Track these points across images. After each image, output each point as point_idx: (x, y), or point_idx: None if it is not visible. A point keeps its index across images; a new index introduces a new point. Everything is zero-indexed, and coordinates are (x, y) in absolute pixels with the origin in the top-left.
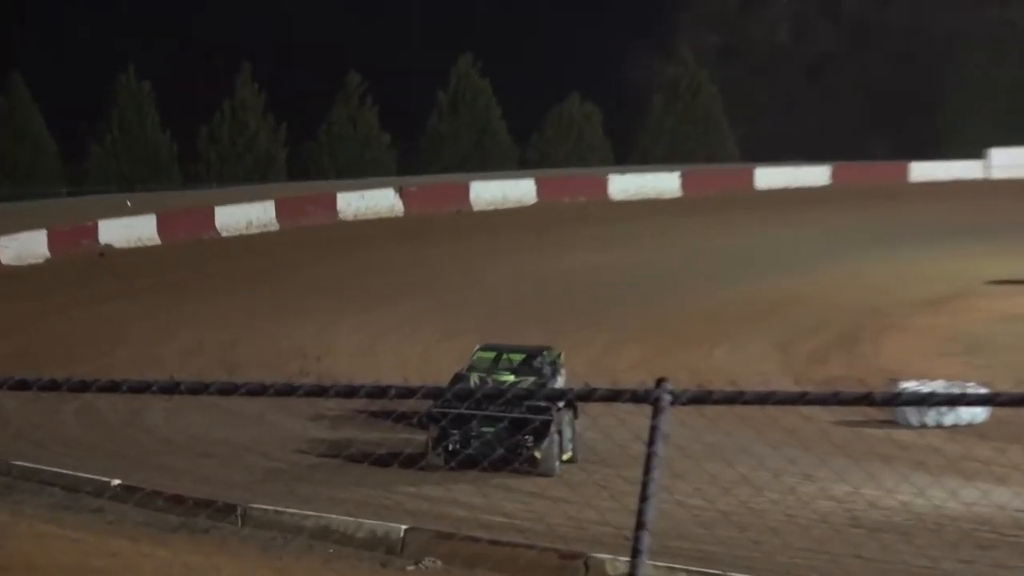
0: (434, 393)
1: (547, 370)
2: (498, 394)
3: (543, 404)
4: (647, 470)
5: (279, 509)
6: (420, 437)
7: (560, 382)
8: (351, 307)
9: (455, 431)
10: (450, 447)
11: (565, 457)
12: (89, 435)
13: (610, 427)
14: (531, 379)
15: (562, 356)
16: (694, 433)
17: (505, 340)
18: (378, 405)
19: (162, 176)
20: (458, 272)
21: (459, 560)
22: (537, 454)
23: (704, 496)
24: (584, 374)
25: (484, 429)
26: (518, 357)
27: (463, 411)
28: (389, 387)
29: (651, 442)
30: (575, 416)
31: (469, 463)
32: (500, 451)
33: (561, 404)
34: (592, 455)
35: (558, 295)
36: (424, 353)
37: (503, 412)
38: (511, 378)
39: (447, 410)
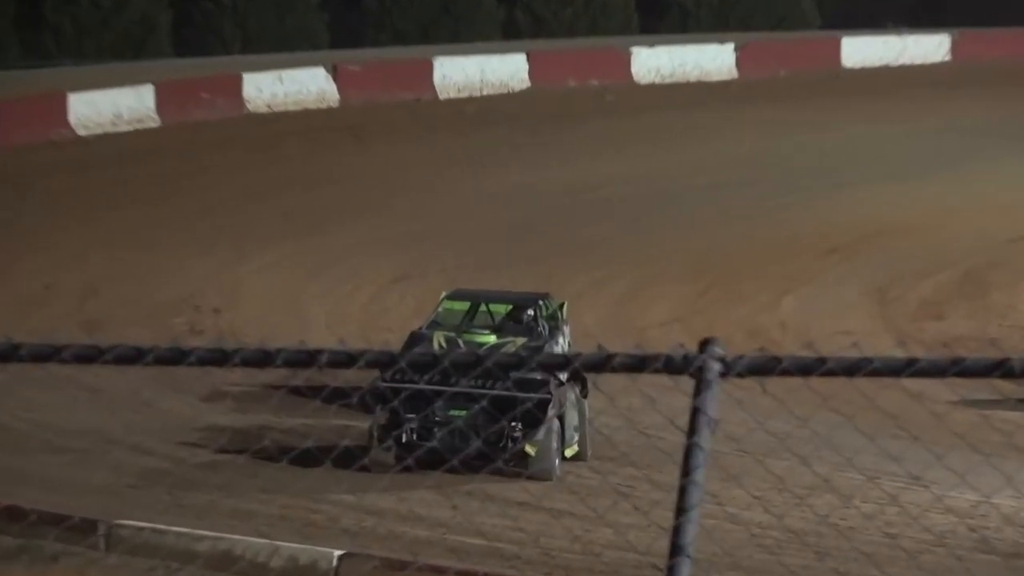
0: (382, 361)
1: (543, 327)
2: (474, 362)
3: (538, 377)
4: (687, 470)
5: (160, 527)
6: (362, 424)
7: (562, 344)
8: (263, 237)
9: (412, 415)
10: (404, 438)
11: (569, 452)
12: None
13: (634, 409)
14: (520, 340)
15: (565, 307)
16: (753, 418)
17: (484, 285)
18: (302, 378)
19: None
20: (417, 188)
21: None
22: (529, 448)
23: (768, 507)
24: (597, 333)
25: (453, 412)
26: (502, 309)
27: (423, 387)
28: (318, 352)
29: (692, 430)
30: (583, 394)
31: (432, 461)
32: (476, 444)
33: (564, 376)
34: (608, 449)
35: (559, 220)
36: (368, 303)
37: (480, 388)
38: (492, 339)
39: (400, 385)
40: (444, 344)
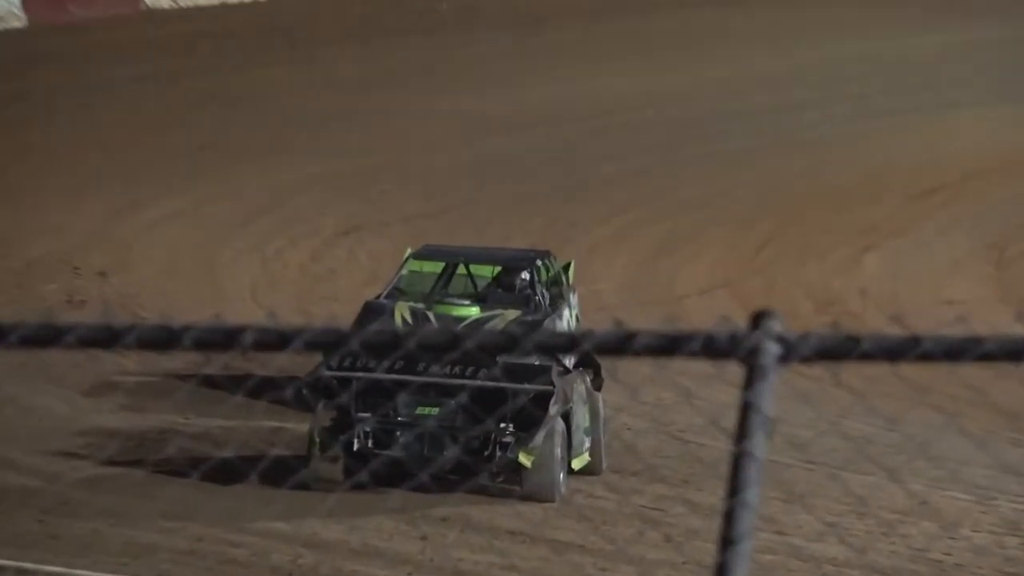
0: (326, 341)
1: (542, 296)
2: (449, 342)
3: (535, 362)
4: (735, 488)
5: (27, 568)
6: (300, 426)
7: (568, 319)
8: (166, 177)
9: (366, 414)
10: (357, 445)
11: (577, 464)
12: None
13: (664, 406)
14: (512, 313)
15: (572, 269)
16: (824, 417)
17: (462, 240)
18: (219, 365)
19: None
20: (371, 110)
21: None
22: (524, 458)
23: (845, 538)
24: (615, 304)
25: (422, 410)
26: (487, 271)
27: (382, 376)
28: (240, 330)
29: (742, 434)
30: (596, 385)
31: (393, 476)
32: (453, 452)
33: (570, 362)
34: (630, 459)
35: (563, 153)
36: (308, 264)
37: (459, 377)
38: (473, 311)
39: (351, 374)
40: (409, 319)
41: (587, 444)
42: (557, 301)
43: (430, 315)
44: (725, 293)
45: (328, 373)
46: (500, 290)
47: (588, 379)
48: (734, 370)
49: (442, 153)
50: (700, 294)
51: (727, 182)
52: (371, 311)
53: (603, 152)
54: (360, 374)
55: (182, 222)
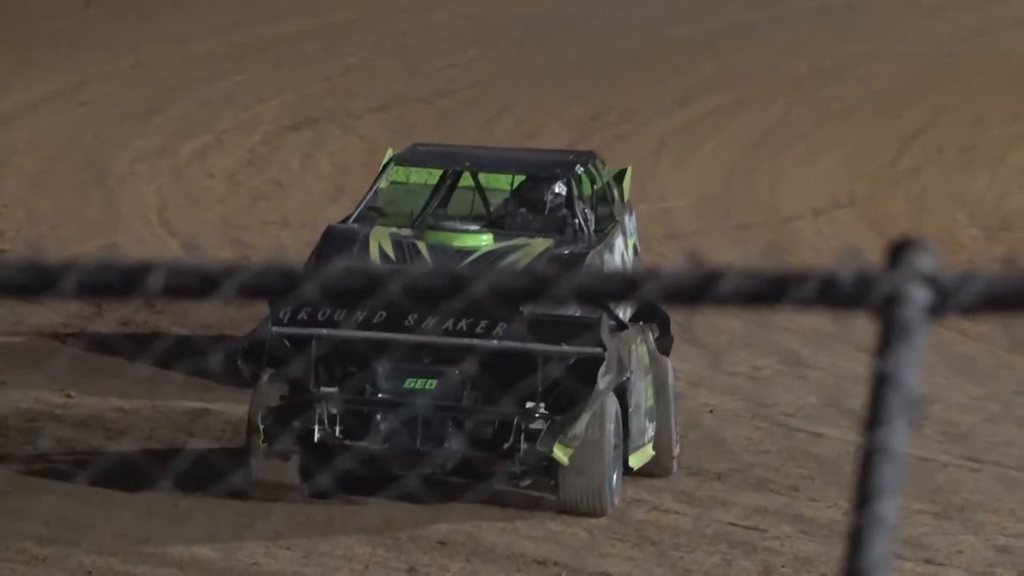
0: (271, 284)
1: (583, 218)
2: (449, 287)
3: (576, 314)
4: (866, 496)
5: None
6: (235, 408)
7: (623, 251)
8: (35, 45)
9: (330, 390)
10: (318, 434)
11: (637, 460)
12: None
13: (761, 378)
14: (541, 243)
15: (628, 179)
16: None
17: (468, 137)
18: (113, 320)
19: None
20: None
21: None
22: (560, 453)
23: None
24: (689, 229)
25: (411, 385)
26: (503, 182)
27: (353, 334)
28: (143, 268)
29: (875, 418)
30: (662, 348)
31: (369, 480)
32: (456, 445)
33: (626, 314)
34: (712, 455)
35: (615, 7)
36: (244, 170)
37: (463, 337)
38: (484, 240)
39: (307, 330)
40: (391, 251)
41: (650, 432)
42: (606, 226)
43: (420, 246)
44: (850, 214)
45: (276, 331)
46: (523, 210)
47: (652, 339)
48: (864, 326)
49: (440, 8)
50: (814, 215)
51: (855, 49)
52: (336, 241)
53: (672, 5)
54: (322, 331)
55: (59, 111)
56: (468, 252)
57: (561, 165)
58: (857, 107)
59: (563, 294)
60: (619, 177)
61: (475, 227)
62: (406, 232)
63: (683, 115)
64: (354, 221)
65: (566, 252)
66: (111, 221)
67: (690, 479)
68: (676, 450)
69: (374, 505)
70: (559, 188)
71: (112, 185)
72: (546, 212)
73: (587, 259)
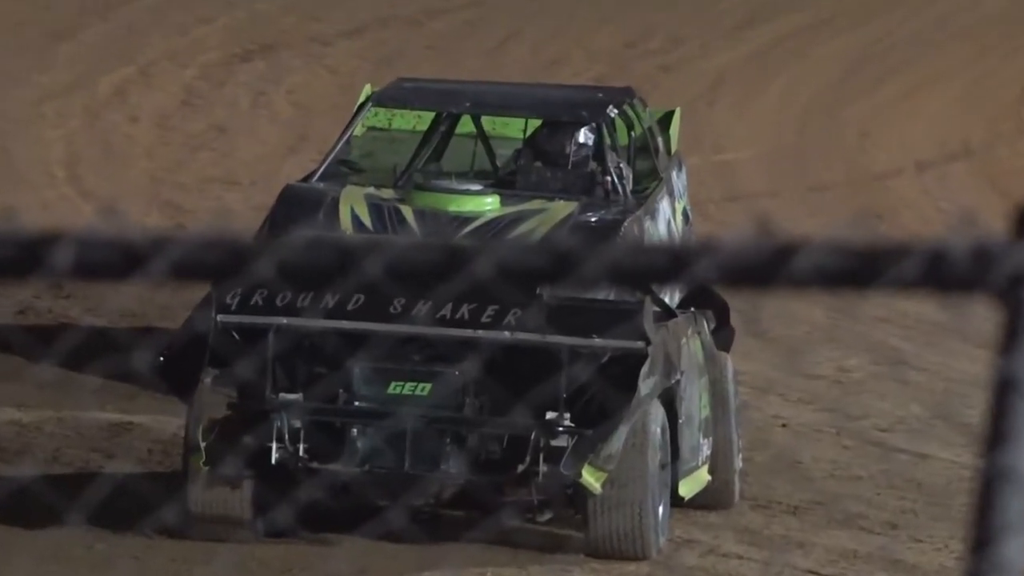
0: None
1: (616, 174)
2: (443, 264)
3: (611, 298)
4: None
5: None
6: (168, 421)
7: (667, 216)
8: None
9: (292, 396)
10: (276, 455)
11: (688, 489)
12: None
13: (851, 383)
14: (563, 207)
15: (677, 123)
16: None
17: (466, 69)
18: (8, 306)
19: None
20: None
21: None
22: (590, 478)
23: None
24: (756, 187)
25: (397, 390)
26: (514, 129)
27: (320, 324)
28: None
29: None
30: (721, 343)
31: (343, 513)
32: (456, 467)
33: (674, 299)
34: (784, 483)
35: None
36: (176, 113)
37: (465, 328)
38: (489, 204)
39: (262, 319)
40: (367, 218)
41: (706, 452)
42: (647, 184)
43: (406, 211)
44: (964, 168)
45: (221, 320)
46: (539, 164)
47: (708, 331)
48: (983, 315)
49: None
50: (917, 171)
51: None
52: (296, 204)
53: None
54: (282, 320)
55: None
56: (468, 219)
57: (588, 106)
58: (973, 30)
59: (593, 273)
60: (665, 121)
61: (477, 187)
62: (387, 193)
63: (746, 41)
64: (319, 179)
65: (595, 219)
66: (5, 178)
67: (756, 513)
68: (738, 475)
69: (348, 546)
70: (585, 136)
71: (6, 131)
72: (569, 167)
73: (623, 227)
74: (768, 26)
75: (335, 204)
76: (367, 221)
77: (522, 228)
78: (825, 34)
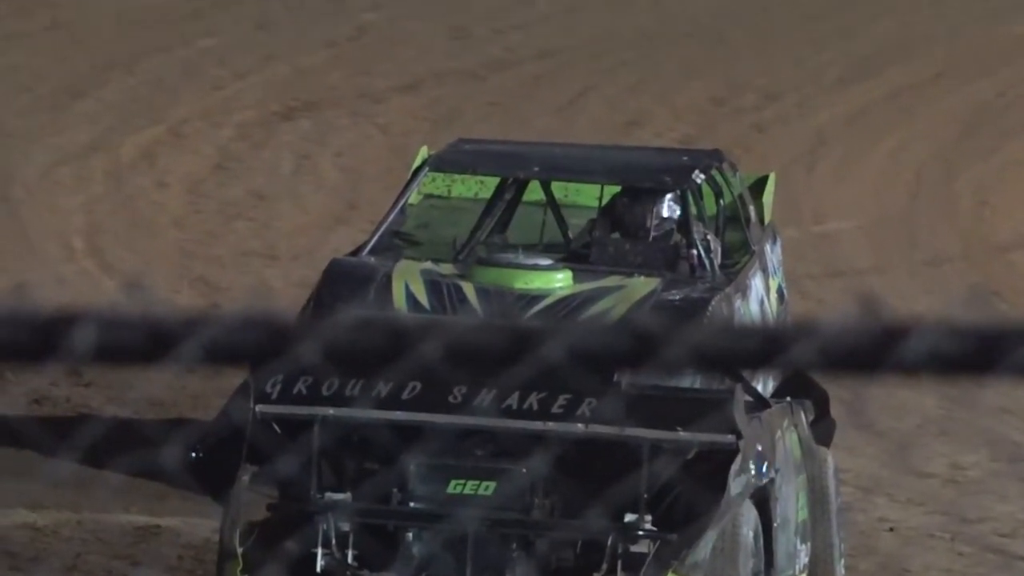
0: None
1: (703, 247)
2: (509, 349)
3: (698, 387)
4: None
5: None
6: (200, 524)
7: (761, 293)
8: None
9: (339, 495)
10: (322, 562)
11: None
12: None
13: (969, 482)
14: (643, 284)
15: (771, 190)
16: None
17: (535, 129)
18: (21, 394)
19: None
20: None
21: None
22: None
23: None
24: (861, 263)
25: (458, 489)
26: (589, 196)
27: (371, 416)
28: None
29: None
30: (820, 436)
31: None
32: (524, 574)
33: (768, 387)
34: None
35: None
36: (210, 177)
37: (534, 420)
38: (560, 281)
39: (306, 411)
40: (425, 297)
41: (804, 559)
42: (738, 259)
43: (467, 289)
44: None
45: (260, 411)
46: (617, 236)
47: (806, 423)
48: None
49: None
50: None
51: None
52: (343, 281)
53: None
54: (328, 411)
55: None
56: (536, 298)
57: (671, 171)
58: None
59: (677, 358)
60: (758, 187)
61: (546, 261)
62: (446, 269)
63: (849, 98)
64: (369, 252)
65: (679, 297)
66: (18, 251)
67: None
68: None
69: None
70: (668, 205)
71: (19, 198)
72: (650, 239)
73: (710, 306)
74: (874, 81)
75: (388, 281)
76: (424, 300)
77: (597, 307)
78: (937, 90)
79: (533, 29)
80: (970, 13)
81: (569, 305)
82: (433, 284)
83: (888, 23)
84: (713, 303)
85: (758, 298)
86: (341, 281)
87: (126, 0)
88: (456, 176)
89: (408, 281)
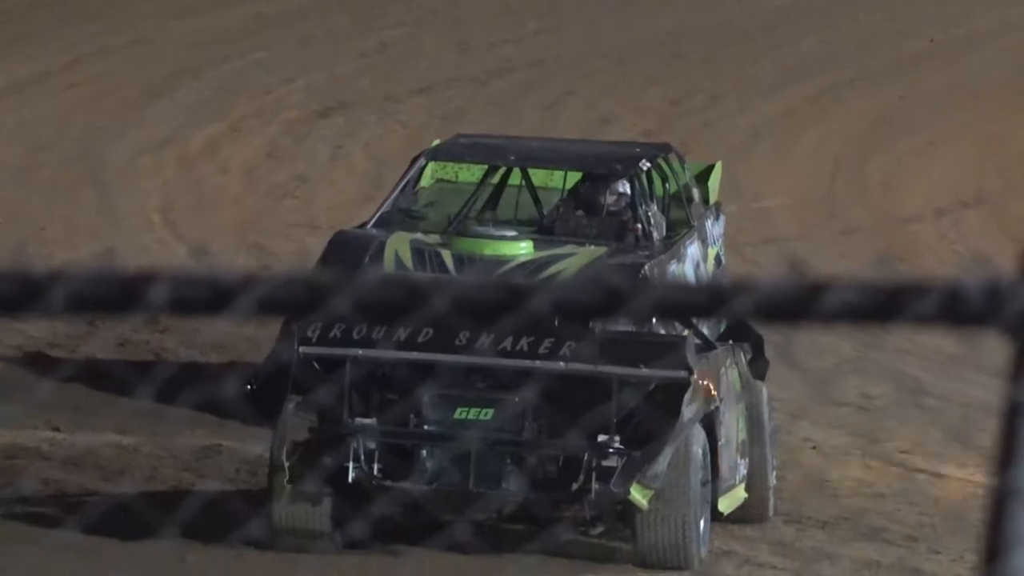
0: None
1: (645, 221)
2: (504, 301)
3: (658, 332)
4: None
5: None
6: (252, 445)
7: (697, 259)
8: (17, 19)
9: (367, 421)
10: (352, 474)
11: (727, 505)
12: None
13: (876, 410)
14: (589, 251)
15: (717, 176)
16: None
17: (526, 125)
18: (107, 341)
19: None
20: None
21: None
22: (637, 495)
23: None
24: (788, 232)
25: (463, 415)
26: (556, 180)
27: (394, 355)
28: (143, 279)
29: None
30: (756, 372)
31: (413, 526)
32: (516, 485)
33: (712, 332)
34: (815, 500)
35: None
36: (263, 163)
37: (522, 359)
38: (522, 248)
39: (341, 350)
40: (410, 260)
41: (743, 471)
42: (680, 231)
43: (445, 255)
44: (978, 215)
45: (303, 351)
46: (579, 213)
47: (744, 361)
48: (995, 347)
49: None
50: (936, 217)
51: (984, 20)
52: (342, 248)
53: None
54: (358, 352)
55: (46, 95)
56: (502, 262)
57: (624, 160)
58: (987, 89)
59: (641, 308)
60: (706, 174)
61: (511, 233)
62: (433, 239)
63: (781, 100)
64: (374, 225)
65: (619, 262)
66: (107, 223)
67: (789, 527)
68: (772, 493)
69: (417, 556)
70: (621, 187)
71: (108, 181)
72: (604, 215)
73: (643, 269)
74: (799, 86)
75: (381, 248)
76: (408, 263)
77: (551, 269)
78: (852, 94)
79: (525, 43)
80: (877, 31)
81: (528, 268)
82: (418, 251)
83: (811, 39)
84: (647, 267)
85: (693, 263)
86: (342, 248)
87: (194, 21)
88: (452, 164)
89: (398, 248)
